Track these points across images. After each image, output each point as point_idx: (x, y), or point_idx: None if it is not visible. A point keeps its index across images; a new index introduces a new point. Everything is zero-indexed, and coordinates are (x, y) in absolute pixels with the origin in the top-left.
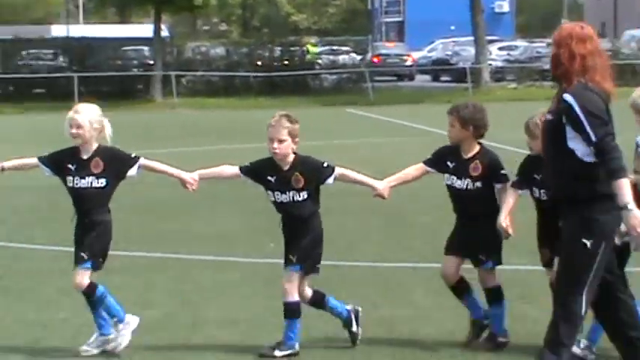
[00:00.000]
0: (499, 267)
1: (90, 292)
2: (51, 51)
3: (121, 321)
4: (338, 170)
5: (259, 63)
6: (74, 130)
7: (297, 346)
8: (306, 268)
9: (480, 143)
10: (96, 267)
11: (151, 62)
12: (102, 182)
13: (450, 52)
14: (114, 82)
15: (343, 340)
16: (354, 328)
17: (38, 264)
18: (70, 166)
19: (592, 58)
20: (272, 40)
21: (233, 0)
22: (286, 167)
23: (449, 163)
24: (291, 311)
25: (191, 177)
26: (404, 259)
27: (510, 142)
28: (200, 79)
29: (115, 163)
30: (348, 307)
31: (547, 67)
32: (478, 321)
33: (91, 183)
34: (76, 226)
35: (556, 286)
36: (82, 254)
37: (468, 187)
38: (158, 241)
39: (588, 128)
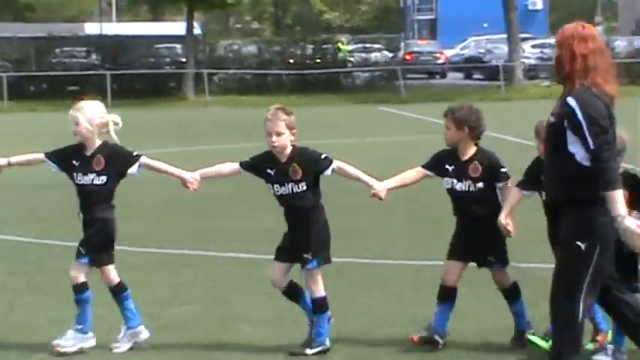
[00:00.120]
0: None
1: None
2: (84, 49)
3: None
4: (336, 163)
5: (291, 61)
6: (73, 128)
7: (327, 342)
8: (322, 259)
9: (477, 144)
10: (93, 262)
11: (184, 60)
12: (103, 179)
13: (482, 50)
14: (147, 79)
15: (373, 336)
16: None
17: (71, 261)
18: (75, 162)
19: (593, 58)
20: (304, 38)
21: None
22: (284, 159)
23: (448, 166)
24: (320, 306)
25: (192, 176)
26: (433, 256)
27: None
28: (232, 77)
29: (117, 160)
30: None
31: None
32: None
33: (92, 180)
34: (82, 221)
35: (552, 290)
36: (80, 249)
37: (470, 188)
38: (190, 238)
39: (588, 135)
